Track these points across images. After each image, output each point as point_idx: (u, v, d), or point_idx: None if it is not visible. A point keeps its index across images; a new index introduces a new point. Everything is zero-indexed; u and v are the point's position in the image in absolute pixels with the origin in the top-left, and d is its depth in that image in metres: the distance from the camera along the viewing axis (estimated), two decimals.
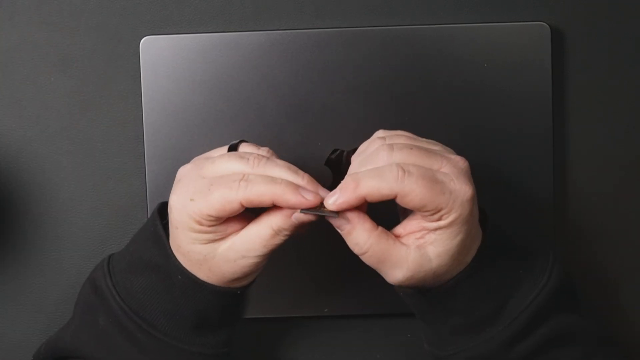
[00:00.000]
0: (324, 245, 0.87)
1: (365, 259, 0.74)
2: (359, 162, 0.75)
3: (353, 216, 0.73)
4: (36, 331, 0.91)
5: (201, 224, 0.74)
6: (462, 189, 0.73)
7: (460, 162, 0.75)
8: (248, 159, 0.75)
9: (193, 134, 0.88)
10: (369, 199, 0.72)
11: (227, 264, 0.75)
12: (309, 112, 0.88)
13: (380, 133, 0.78)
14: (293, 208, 0.73)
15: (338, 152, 0.87)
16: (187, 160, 0.80)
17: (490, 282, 0.76)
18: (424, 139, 0.77)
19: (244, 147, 0.78)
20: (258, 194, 0.73)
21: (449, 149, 0.77)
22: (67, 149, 0.90)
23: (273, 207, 0.74)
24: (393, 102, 0.88)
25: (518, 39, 0.88)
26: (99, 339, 0.78)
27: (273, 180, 0.73)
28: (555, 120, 0.89)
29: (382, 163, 0.73)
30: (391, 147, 0.74)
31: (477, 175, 0.76)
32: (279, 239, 0.75)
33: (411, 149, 0.74)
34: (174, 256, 0.76)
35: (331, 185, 0.77)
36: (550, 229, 0.90)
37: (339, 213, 0.73)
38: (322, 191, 0.74)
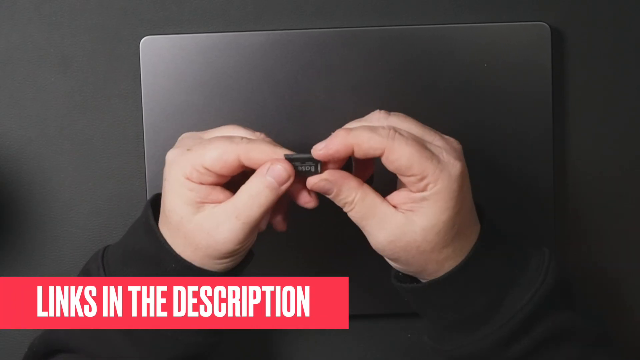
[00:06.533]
0: (324, 245, 0.87)
1: (352, 215, 0.74)
2: (354, 122, 0.76)
3: (336, 177, 0.74)
4: (36, 331, 0.91)
5: (190, 178, 0.74)
6: (450, 162, 0.73)
7: (455, 142, 0.75)
8: (253, 131, 0.77)
9: None
10: (356, 150, 0.72)
11: (200, 234, 0.75)
12: (309, 112, 0.88)
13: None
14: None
15: None
16: None
17: (482, 279, 0.75)
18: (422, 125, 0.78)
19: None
20: (260, 151, 0.74)
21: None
22: (67, 149, 0.90)
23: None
24: (393, 102, 0.88)
25: (518, 39, 0.88)
26: (91, 332, 0.77)
27: (275, 146, 0.75)
28: (555, 120, 0.89)
29: (377, 124, 0.74)
30: (387, 112, 0.76)
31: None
32: (255, 209, 0.74)
33: (406, 117, 0.75)
34: (167, 244, 0.76)
35: None
36: (551, 228, 0.90)
37: (321, 168, 0.73)
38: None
